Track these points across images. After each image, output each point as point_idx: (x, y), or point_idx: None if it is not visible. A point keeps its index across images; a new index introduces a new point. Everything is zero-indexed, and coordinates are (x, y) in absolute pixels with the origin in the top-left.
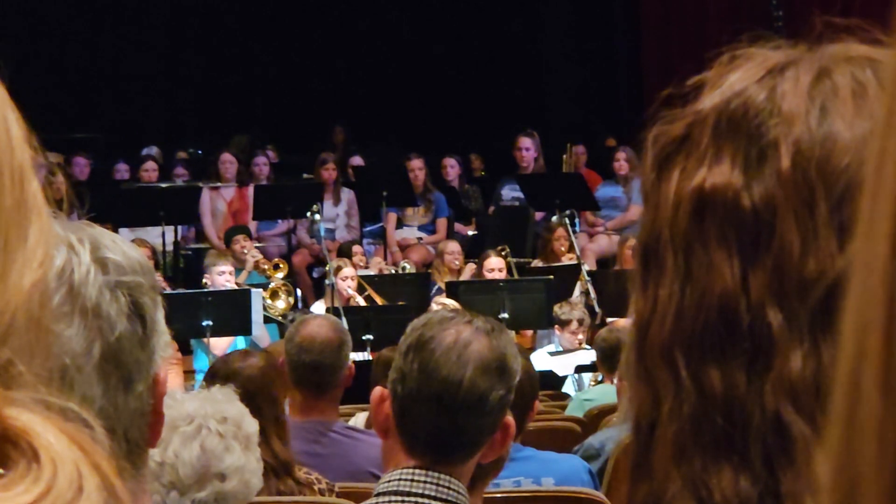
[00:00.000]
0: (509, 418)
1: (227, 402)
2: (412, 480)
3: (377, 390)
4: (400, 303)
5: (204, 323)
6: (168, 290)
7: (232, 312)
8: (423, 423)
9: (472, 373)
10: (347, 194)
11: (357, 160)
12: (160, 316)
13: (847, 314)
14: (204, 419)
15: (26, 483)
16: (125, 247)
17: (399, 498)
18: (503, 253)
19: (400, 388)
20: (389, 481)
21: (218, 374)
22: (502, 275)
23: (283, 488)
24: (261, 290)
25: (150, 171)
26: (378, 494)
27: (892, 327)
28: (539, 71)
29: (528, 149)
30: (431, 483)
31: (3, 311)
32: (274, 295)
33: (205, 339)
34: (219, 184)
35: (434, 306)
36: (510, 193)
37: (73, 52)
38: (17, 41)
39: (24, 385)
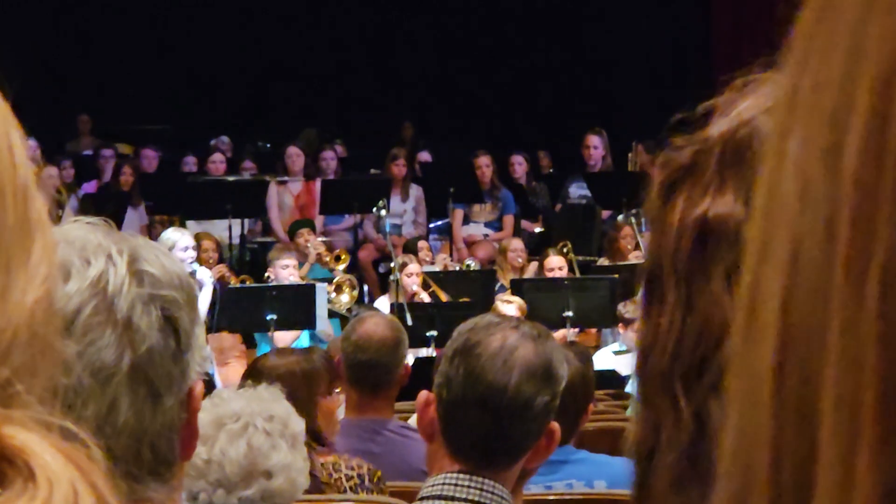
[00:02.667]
0: (554, 423)
1: (273, 401)
2: (456, 485)
3: (422, 394)
4: (464, 299)
5: (268, 316)
6: (233, 284)
7: (296, 307)
8: (468, 428)
9: (517, 378)
10: (415, 190)
11: (425, 156)
12: (198, 331)
13: (728, 435)
14: (251, 417)
15: (22, 502)
16: (165, 260)
17: (443, 502)
18: (564, 250)
19: (445, 392)
20: (433, 485)
21: (255, 370)
22: (563, 273)
23: None
24: (325, 284)
25: (217, 163)
26: (422, 499)
27: (781, 456)
28: (608, 69)
29: (596, 147)
30: (475, 488)
31: (4, 329)
32: (338, 289)
33: (269, 333)
34: (286, 178)
35: (498, 303)
36: (577, 191)
37: (144, 45)
38: (88, 33)
39: (23, 404)
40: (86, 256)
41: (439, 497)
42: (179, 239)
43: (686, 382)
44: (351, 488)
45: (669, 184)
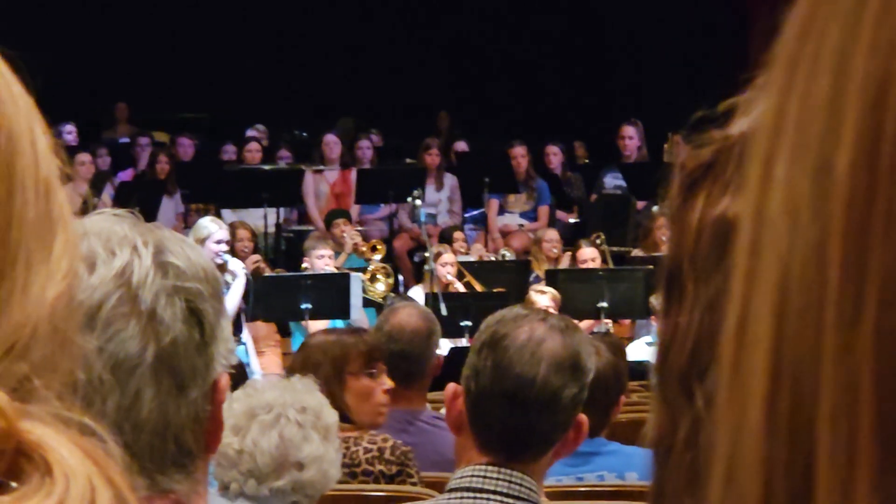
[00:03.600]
0: (582, 416)
1: (306, 392)
2: (484, 477)
3: (450, 386)
4: (499, 289)
5: (303, 306)
6: (268, 273)
7: (331, 296)
8: (496, 421)
9: (545, 370)
10: (450, 180)
11: (462, 145)
12: (224, 323)
13: (717, 460)
14: (283, 408)
15: (38, 497)
16: (191, 252)
17: (472, 494)
18: (597, 241)
19: (473, 384)
20: (462, 477)
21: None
22: (596, 264)
23: None
24: (360, 273)
25: (253, 152)
26: (451, 490)
27: None
28: (644, 59)
29: (631, 137)
30: (504, 480)
31: (24, 325)
32: (373, 278)
33: (303, 322)
34: (322, 167)
35: (532, 294)
36: (613, 182)
37: (182, 33)
38: (127, 20)
39: (42, 399)
40: (111, 248)
41: (468, 489)
42: (215, 231)
43: (703, 381)
44: (367, 461)
45: (690, 183)
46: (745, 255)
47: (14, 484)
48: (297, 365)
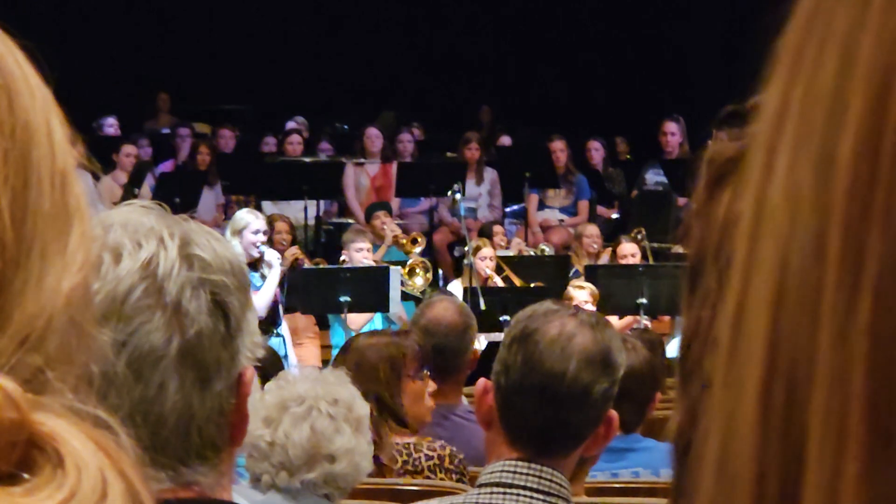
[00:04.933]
0: (613, 412)
1: (338, 385)
2: (515, 472)
3: (481, 381)
4: (538, 284)
5: (342, 298)
6: (307, 265)
7: (370, 289)
8: (526, 416)
9: (575, 365)
10: (490, 174)
11: (506, 140)
12: (250, 316)
13: (710, 450)
14: (315, 401)
15: (50, 489)
16: (217, 245)
17: (501, 490)
18: (638, 237)
19: (503, 379)
20: (492, 472)
21: (347, 348)
22: (636, 260)
23: None
24: (399, 267)
25: (294, 144)
26: (481, 485)
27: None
28: (687, 55)
29: (673, 133)
30: (534, 476)
31: (39, 316)
32: (412, 272)
33: (342, 315)
34: (362, 159)
35: (570, 289)
36: (654, 178)
37: (225, 24)
38: (170, 11)
39: (55, 391)
40: (137, 239)
41: (498, 484)
42: (252, 222)
43: None
44: (429, 468)
45: (716, 178)
46: (744, 243)
47: (26, 475)
48: (350, 365)
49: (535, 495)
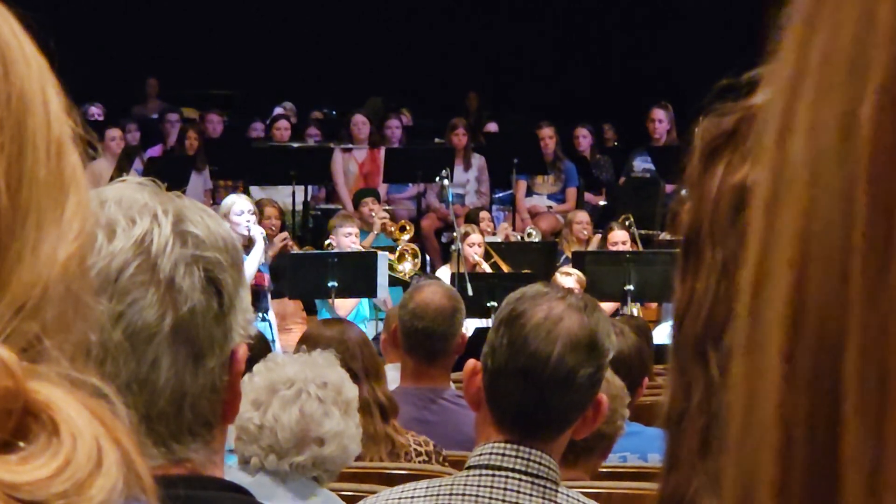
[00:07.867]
0: (602, 395)
1: (327, 367)
2: (503, 455)
3: (470, 362)
4: (526, 271)
5: (330, 284)
6: (295, 250)
7: (358, 274)
8: (511, 398)
9: (560, 349)
10: (478, 160)
11: (493, 126)
12: (243, 293)
13: (733, 419)
14: (304, 383)
15: (45, 456)
16: (211, 222)
17: (490, 472)
18: (626, 223)
19: (490, 361)
20: (481, 454)
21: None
22: (626, 247)
23: None
24: (387, 252)
25: (282, 129)
26: (469, 467)
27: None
28: (675, 42)
29: (661, 121)
30: (522, 458)
31: (35, 284)
32: (400, 258)
33: (329, 300)
34: (350, 145)
35: (557, 276)
36: (642, 165)
37: (213, 9)
38: None
39: (52, 359)
40: (131, 216)
41: (486, 466)
42: (236, 202)
43: (718, 347)
44: (427, 454)
45: (711, 150)
46: (762, 209)
47: (21, 444)
48: None
49: (522, 478)
